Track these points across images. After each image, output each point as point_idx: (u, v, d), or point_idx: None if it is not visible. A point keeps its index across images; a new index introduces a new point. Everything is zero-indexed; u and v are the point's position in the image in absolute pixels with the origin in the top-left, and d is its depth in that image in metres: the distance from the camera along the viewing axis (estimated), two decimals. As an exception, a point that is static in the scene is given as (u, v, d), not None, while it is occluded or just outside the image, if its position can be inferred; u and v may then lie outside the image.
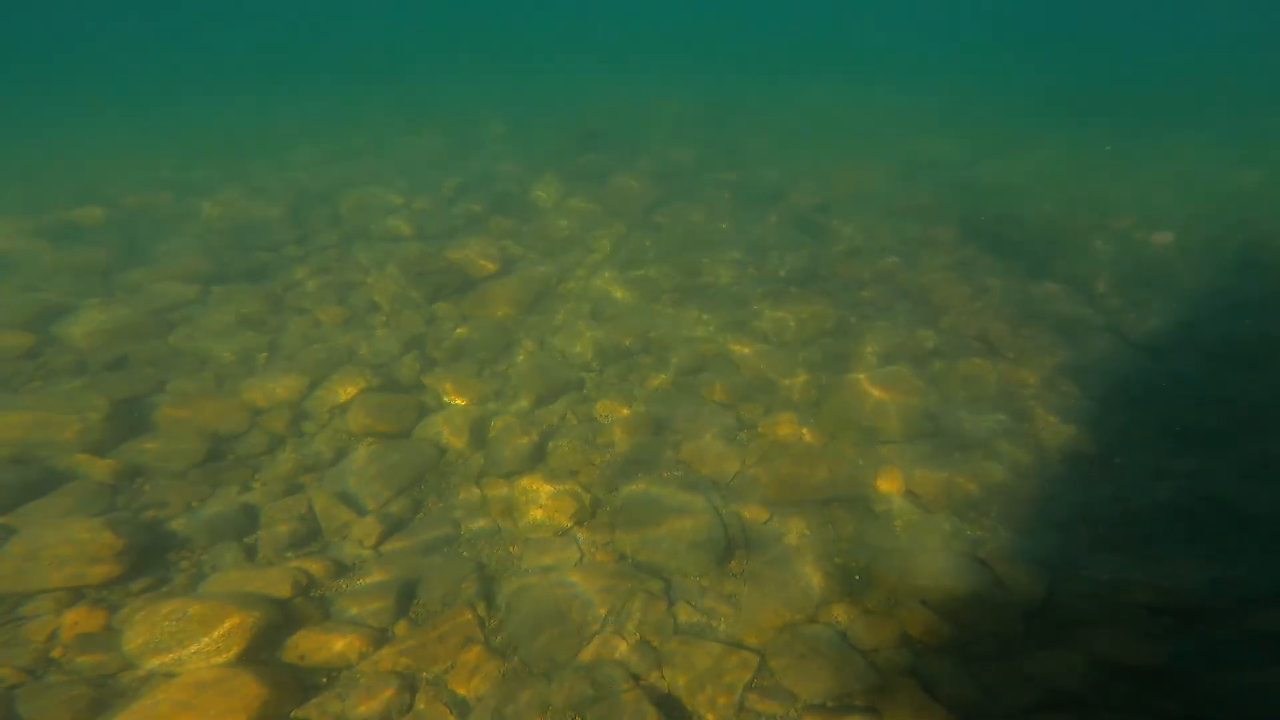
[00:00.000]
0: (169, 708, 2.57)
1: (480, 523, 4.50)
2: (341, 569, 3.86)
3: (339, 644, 3.21)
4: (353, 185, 11.56)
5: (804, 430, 5.44)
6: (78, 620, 3.14)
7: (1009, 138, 15.14)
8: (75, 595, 3.37)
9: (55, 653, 3.05)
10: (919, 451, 5.21)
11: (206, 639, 2.90)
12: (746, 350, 6.65)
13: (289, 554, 3.91)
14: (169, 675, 2.83)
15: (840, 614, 3.86)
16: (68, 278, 7.72)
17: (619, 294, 7.87)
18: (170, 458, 4.55)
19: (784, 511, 4.62)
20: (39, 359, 5.81)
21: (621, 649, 3.62)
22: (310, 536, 4.09)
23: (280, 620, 3.25)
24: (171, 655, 2.86)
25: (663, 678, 3.48)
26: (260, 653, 3.06)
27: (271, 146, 14.92)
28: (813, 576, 4.07)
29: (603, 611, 3.78)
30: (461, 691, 3.22)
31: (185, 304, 7.07)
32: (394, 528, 4.31)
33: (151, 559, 3.68)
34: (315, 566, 3.72)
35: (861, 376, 6.01)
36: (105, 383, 5.40)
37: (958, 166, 13.33)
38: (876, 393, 5.65)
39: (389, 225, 9.48)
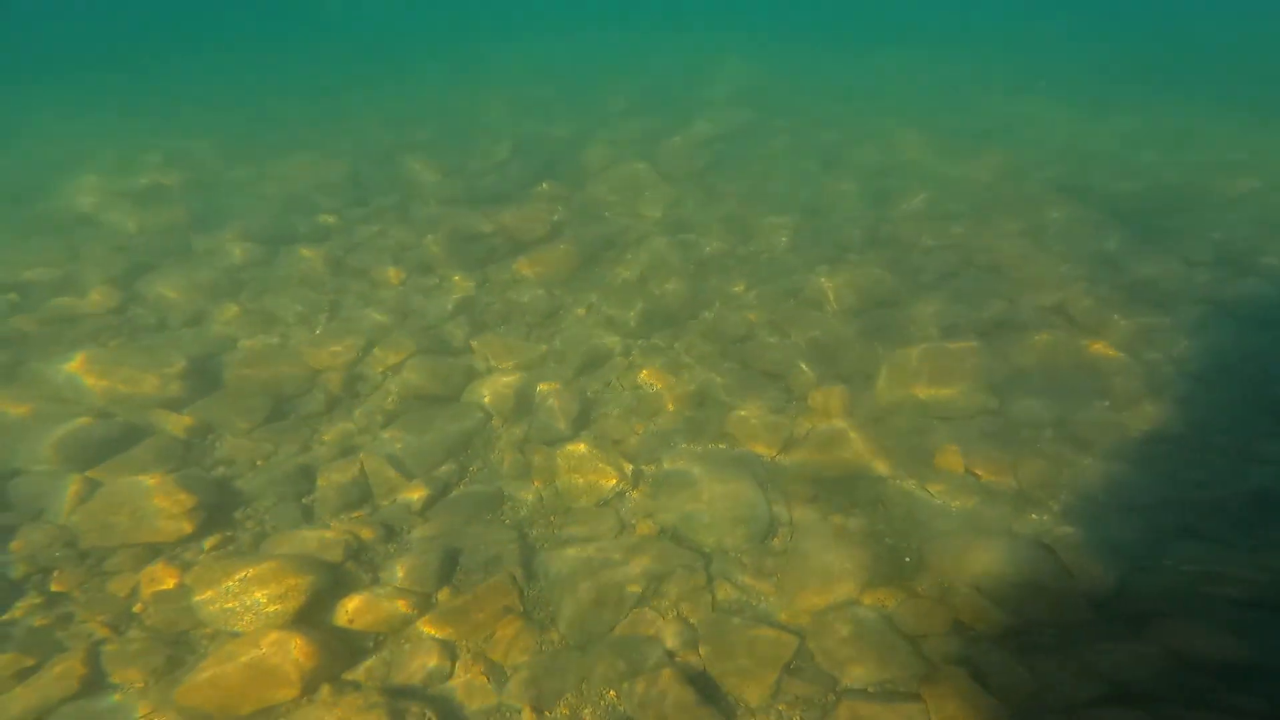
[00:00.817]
0: (234, 669, 2.69)
1: (522, 490, 4.50)
2: (389, 533, 3.94)
3: (384, 609, 3.28)
4: (412, 148, 11.55)
5: (857, 403, 5.18)
6: (155, 577, 3.32)
7: (1090, 102, 13.76)
8: (153, 552, 3.55)
9: (136, 608, 3.22)
10: (982, 428, 4.86)
11: (266, 601, 3.02)
12: (798, 318, 6.35)
13: (342, 515, 4.02)
14: (233, 635, 2.95)
15: (887, 597, 3.68)
16: (151, 238, 8.03)
17: (669, 259, 7.61)
18: (238, 415, 4.72)
19: (831, 488, 4.43)
20: (125, 314, 6.10)
21: (658, 624, 3.57)
22: (361, 499, 4.18)
23: (331, 583, 3.34)
24: (235, 617, 2.98)
25: (698, 655, 3.42)
26: (314, 615, 3.17)
27: (341, 111, 15.06)
28: (859, 557, 3.87)
29: (639, 586, 3.73)
30: (499, 659, 3.26)
31: (255, 264, 7.25)
32: (440, 492, 4.36)
33: (220, 517, 3.85)
34: (365, 530, 3.80)
35: (920, 348, 5.65)
36: (183, 340, 5.63)
37: (1035, 129, 12.23)
38: (936, 365, 5.30)
39: (443, 189, 9.45)
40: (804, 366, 5.69)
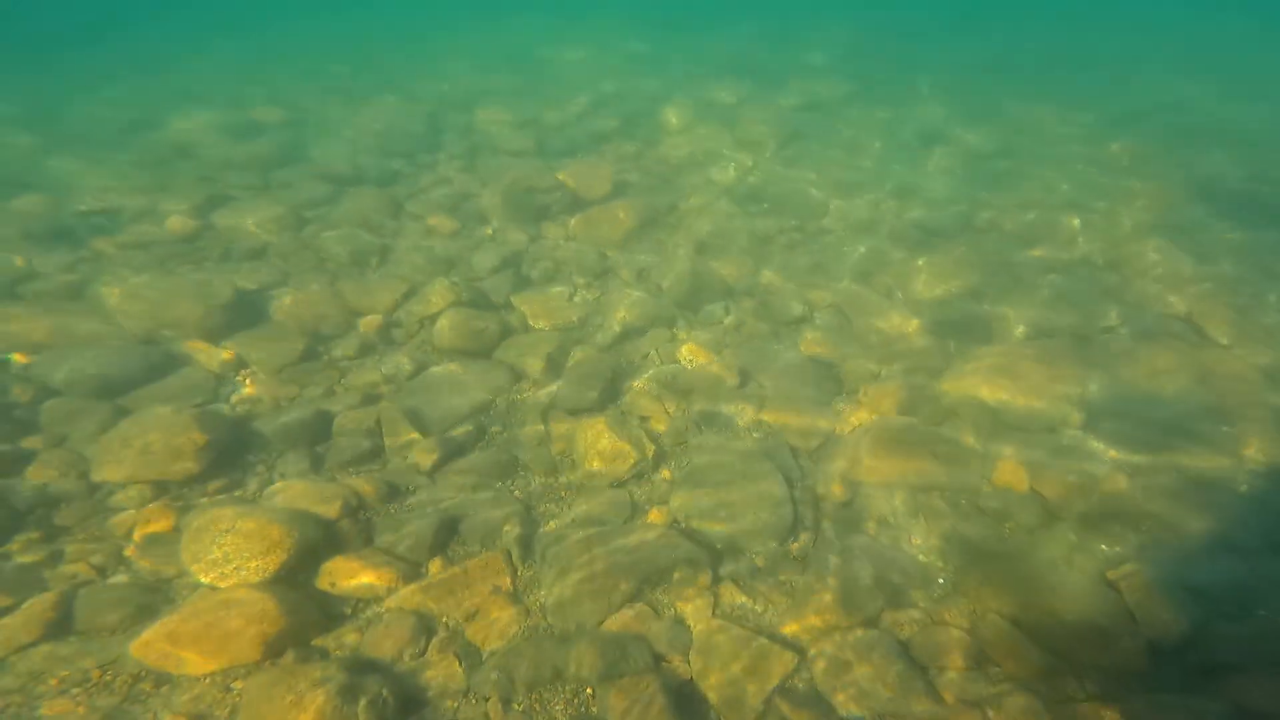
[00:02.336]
0: (193, 627, 2.55)
1: (538, 460, 4.20)
2: (393, 493, 3.74)
3: (369, 575, 3.07)
4: (491, 97, 11.26)
5: (914, 403, 4.54)
6: (150, 518, 3.23)
7: (1247, 80, 11.61)
8: (159, 490, 3.47)
9: (128, 551, 3.14)
10: (1059, 444, 4.14)
11: (249, 555, 2.85)
12: (864, 304, 5.67)
13: (350, 469, 3.84)
14: (213, 588, 2.82)
15: (908, 621, 3.18)
16: (236, 171, 8.14)
17: (731, 229, 7.01)
18: (272, 353, 4.63)
19: (869, 494, 3.90)
20: (195, 244, 6.19)
21: (651, 623, 3.21)
22: (373, 453, 4.00)
23: (323, 541, 3.17)
24: (216, 569, 2.84)
25: (687, 663, 3.05)
26: (298, 574, 3.00)
27: (431, 56, 14.94)
28: (884, 573, 3.38)
29: (637, 579, 3.37)
30: (477, 642, 3.00)
31: (321, 202, 7.20)
32: (453, 453, 4.12)
33: (232, 458, 3.75)
34: (368, 487, 3.60)
35: (999, 348, 4.90)
36: (240, 272, 5.63)
37: (1185, 111, 10.45)
38: (1015, 369, 4.57)
39: (513, 140, 9.12)
40: (861, 357, 5.06)
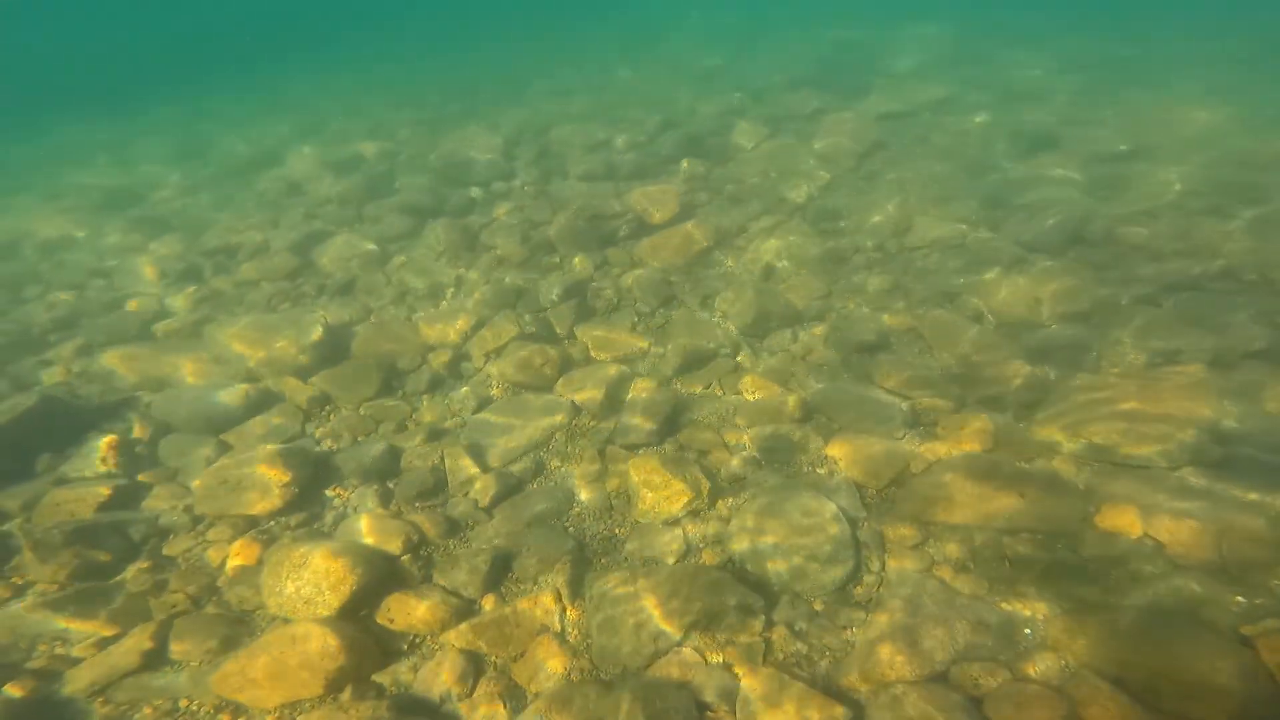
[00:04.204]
0: (262, 661, 2.82)
1: (592, 496, 4.28)
2: (453, 528, 3.94)
3: (425, 612, 3.26)
4: (566, 121, 11.65)
5: (1001, 437, 4.21)
6: (239, 552, 3.60)
7: None
8: (250, 524, 3.85)
9: (220, 581, 3.50)
10: (1182, 485, 3.69)
11: (317, 590, 3.12)
12: (948, 330, 5.34)
13: (416, 504, 4.10)
14: (285, 622, 3.11)
15: (985, 676, 2.93)
16: (334, 206, 8.96)
17: (803, 250, 6.83)
18: (354, 388, 5.05)
19: (944, 536, 3.65)
20: (296, 281, 6.87)
21: (697, 671, 3.18)
22: (437, 489, 4.24)
23: (386, 576, 3.40)
24: (289, 602, 3.12)
25: (733, 714, 3.00)
26: (361, 609, 3.24)
27: (514, 82, 15.72)
28: (957, 622, 3.16)
29: (685, 623, 3.35)
30: (523, 683, 3.10)
31: (403, 235, 7.76)
32: (511, 489, 4.29)
33: (313, 494, 4.10)
34: (428, 524, 3.83)
35: (1109, 377, 4.46)
36: (329, 307, 6.19)
37: None
38: (1130, 399, 4.14)
39: (584, 163, 9.36)
40: (940, 387, 4.77)
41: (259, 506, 3.83)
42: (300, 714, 2.73)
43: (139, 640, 3.09)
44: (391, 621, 3.21)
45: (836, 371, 5.18)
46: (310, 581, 3.16)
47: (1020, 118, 9.63)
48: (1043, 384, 4.65)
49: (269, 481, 3.87)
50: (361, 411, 4.89)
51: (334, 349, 5.49)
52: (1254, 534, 3.33)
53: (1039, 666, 2.91)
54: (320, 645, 2.86)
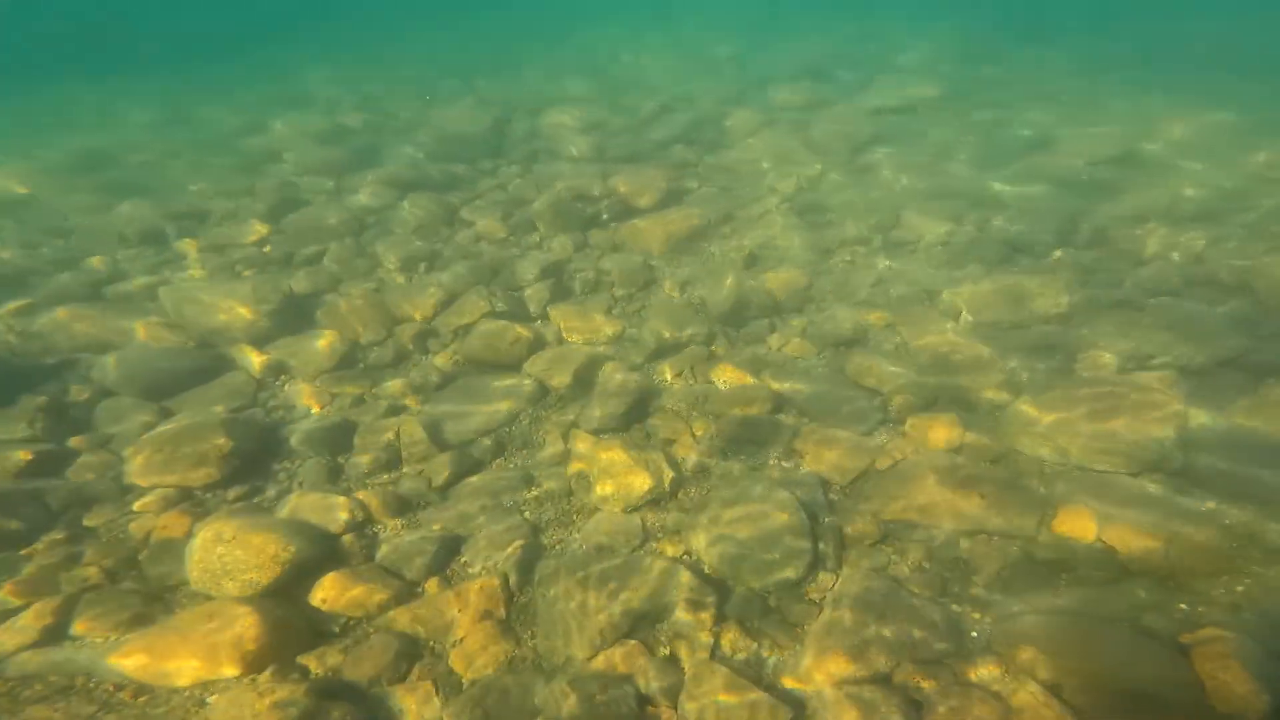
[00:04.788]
0: (173, 639, 2.67)
1: (553, 481, 4.15)
2: (403, 507, 3.80)
3: (361, 593, 3.12)
4: (561, 102, 11.44)
5: (968, 437, 4.14)
6: (167, 525, 3.41)
7: None
8: (182, 495, 3.67)
9: (142, 556, 3.32)
10: (1142, 491, 3.64)
11: (246, 568, 2.97)
12: (926, 327, 5.24)
13: (367, 480, 3.96)
14: (207, 599, 2.96)
15: (925, 679, 2.84)
16: (314, 176, 8.73)
17: (788, 241, 6.71)
18: (312, 359, 4.88)
19: (903, 534, 3.57)
20: (265, 248, 6.67)
21: (642, 664, 3.07)
22: (390, 464, 4.09)
23: (323, 555, 3.26)
24: (213, 579, 2.97)
25: (674, 709, 2.89)
26: (294, 588, 3.10)
27: (516, 63, 15.43)
28: (906, 623, 3.08)
29: (633, 614, 3.23)
30: (460, 670, 2.98)
31: (382, 208, 7.56)
32: (468, 470, 4.15)
33: (257, 466, 3.93)
34: (377, 502, 3.68)
35: (1081, 380, 4.39)
36: (295, 276, 5.99)
37: None
38: (1099, 404, 4.07)
39: (575, 145, 9.18)
40: (913, 384, 4.66)
41: (195, 477, 3.67)
42: (212, 694, 2.60)
43: (39, 615, 2.93)
44: (325, 602, 3.08)
45: (812, 364, 5.07)
46: (240, 558, 3.02)
47: (1021, 116, 9.52)
48: (1015, 384, 4.57)
49: (208, 451, 3.71)
50: (318, 383, 4.73)
51: (297, 318, 5.32)
52: (1203, 543, 3.29)
53: (981, 671, 2.83)
54: (239, 624, 2.73)
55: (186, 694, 2.62)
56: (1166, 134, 8.38)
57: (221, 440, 3.74)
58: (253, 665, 2.67)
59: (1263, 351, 4.57)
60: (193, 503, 3.64)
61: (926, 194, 7.27)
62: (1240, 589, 3.05)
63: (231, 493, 3.72)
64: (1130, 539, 3.34)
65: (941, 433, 4.17)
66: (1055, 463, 3.92)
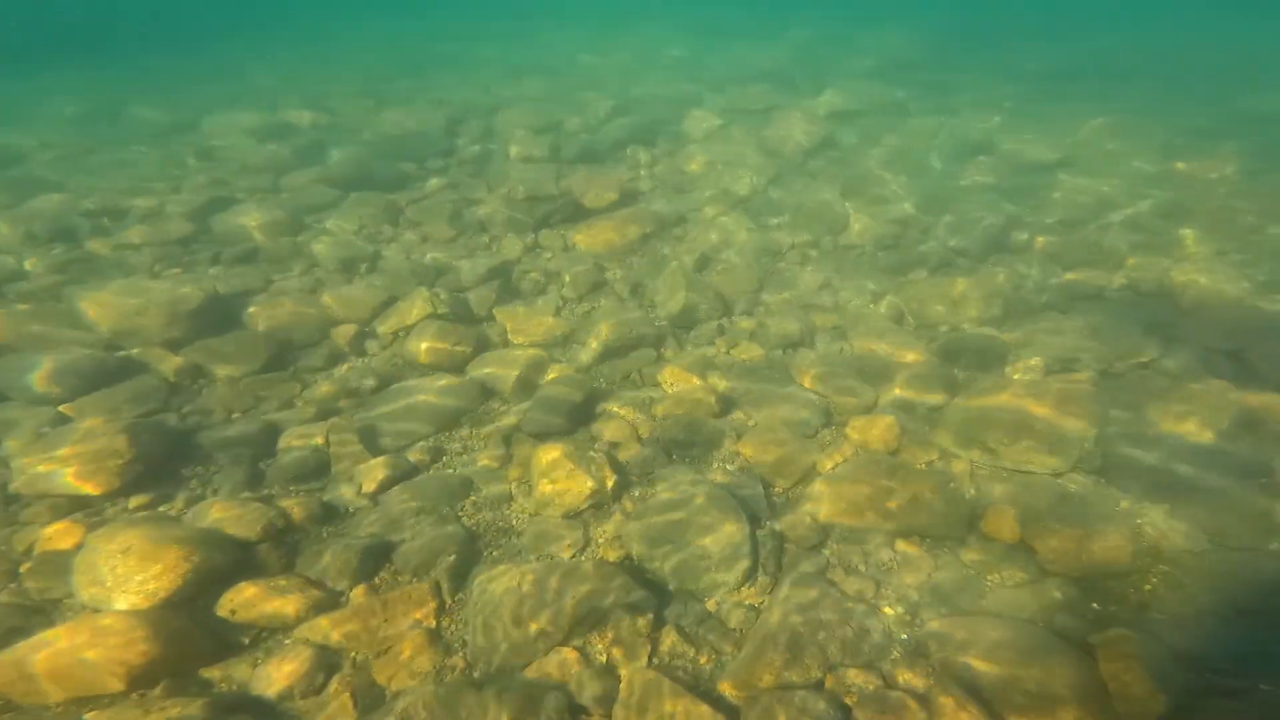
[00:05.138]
0: (46, 653, 2.48)
1: (493, 486, 4.07)
2: (329, 514, 3.66)
3: (276, 603, 2.97)
4: (517, 102, 11.41)
5: (906, 438, 4.25)
6: (53, 535, 3.20)
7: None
8: (76, 504, 3.45)
9: (24, 567, 3.11)
10: (1059, 491, 3.79)
11: (140, 579, 2.79)
12: (870, 329, 5.37)
13: (291, 487, 3.80)
14: (94, 611, 2.78)
15: (859, 685, 2.87)
16: (251, 174, 8.46)
17: (740, 243, 6.80)
18: (234, 361, 4.68)
19: (843, 536, 3.63)
20: (189, 247, 6.40)
21: (577, 671, 3.01)
22: (318, 471, 3.94)
23: (234, 565, 3.09)
24: (103, 591, 2.78)
25: (608, 718, 2.85)
26: (198, 599, 2.93)
27: (475, 64, 15.31)
28: (841, 628, 3.10)
29: (569, 620, 3.20)
30: (383, 681, 2.88)
31: (324, 207, 7.36)
32: (404, 475, 4.02)
33: (167, 473, 3.74)
34: (299, 509, 3.52)
35: (1010, 383, 4.55)
36: (223, 277, 5.75)
37: None
38: (1025, 405, 4.22)
39: (529, 145, 9.12)
40: (856, 386, 4.76)
41: (92, 485, 3.47)
42: (90, 710, 2.43)
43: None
44: (234, 614, 2.93)
45: (759, 365, 5.12)
46: (133, 568, 2.83)
47: (966, 122, 9.90)
48: (950, 386, 4.70)
49: (106, 458, 3.51)
50: (240, 386, 4.54)
51: (220, 319, 5.10)
52: (1115, 543, 3.43)
53: (908, 674, 2.88)
54: (127, 637, 2.55)
55: (59, 710, 2.45)
56: (1098, 142, 8.84)
57: (122, 446, 3.54)
58: (140, 680, 2.51)
59: (1179, 350, 4.82)
60: (88, 512, 3.42)
61: (875, 198, 7.47)
62: (1148, 588, 3.19)
63: (133, 501, 3.51)
64: (1048, 540, 3.47)
65: (880, 435, 4.26)
66: (986, 464, 4.05)
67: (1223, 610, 3.07)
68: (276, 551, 3.29)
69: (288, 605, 2.99)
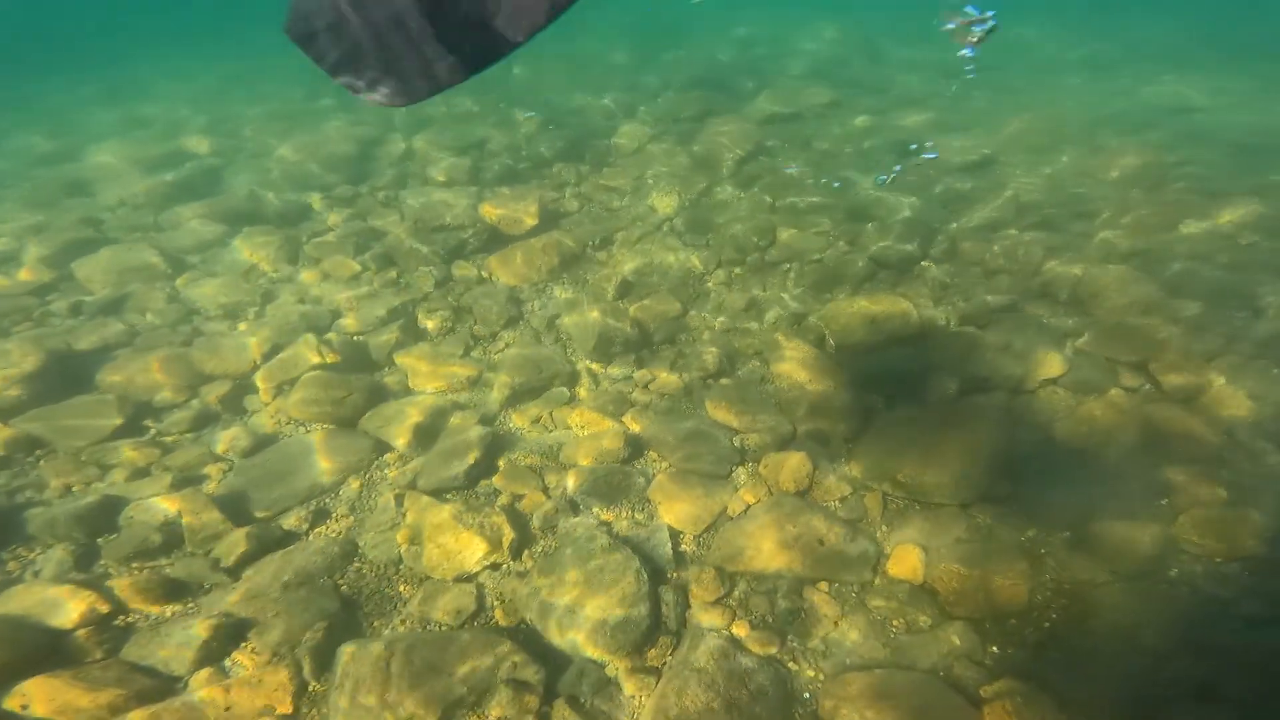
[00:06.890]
0: None
1: (380, 551, 3.99)
2: (175, 592, 3.55)
3: (79, 697, 2.83)
4: (441, 118, 11.45)
5: (819, 475, 4.33)
6: None
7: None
8: None
9: None
10: (969, 524, 3.92)
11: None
12: (789, 355, 5.46)
13: (132, 564, 3.68)
14: None
15: None
16: (126, 210, 8.28)
17: (664, 265, 6.89)
18: (79, 429, 4.53)
19: (749, 587, 3.67)
20: (45, 298, 6.20)
21: (455, 756, 2.98)
22: (166, 546, 3.81)
23: (37, 656, 2.97)
24: None
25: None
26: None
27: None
28: (740, 690, 3.15)
29: (449, 699, 3.14)
30: (220, 792, 2.79)
31: (208, 245, 7.25)
32: (273, 544, 3.92)
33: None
34: (135, 589, 3.40)
35: (922, 409, 4.71)
36: (78, 331, 5.56)
37: (1203, 113, 10.32)
38: (934, 433, 4.38)
39: (447, 167, 9.14)
40: (770, 420, 4.82)
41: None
42: None
43: None
44: (26, 709, 2.82)
45: (678, 401, 5.16)
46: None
47: (896, 122, 10.32)
48: (865, 416, 4.80)
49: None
50: (84, 457, 4.41)
51: (66, 380, 4.94)
52: (1016, 579, 3.55)
53: None
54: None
55: None
56: (1023, 138, 9.33)
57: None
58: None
59: (1080, 369, 5.04)
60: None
61: (803, 209, 7.64)
62: (1047, 625, 3.31)
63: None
64: (950, 580, 3.59)
65: (791, 472, 4.31)
66: (897, 497, 4.16)
67: (1122, 649, 3.20)
68: (97, 637, 3.17)
69: (101, 698, 2.87)
